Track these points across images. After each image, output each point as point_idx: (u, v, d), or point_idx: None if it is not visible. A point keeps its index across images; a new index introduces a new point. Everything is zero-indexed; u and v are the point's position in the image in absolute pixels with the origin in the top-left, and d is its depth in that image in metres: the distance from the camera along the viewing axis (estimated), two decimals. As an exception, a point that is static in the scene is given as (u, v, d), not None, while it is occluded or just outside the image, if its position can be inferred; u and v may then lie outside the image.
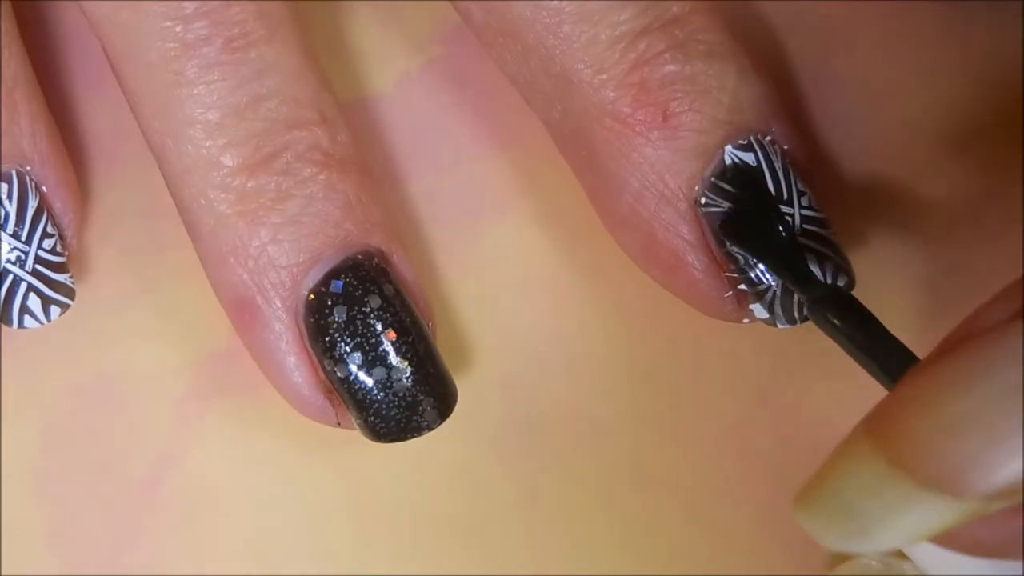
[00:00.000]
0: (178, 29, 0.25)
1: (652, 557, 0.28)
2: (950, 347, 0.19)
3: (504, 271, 0.29)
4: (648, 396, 0.29)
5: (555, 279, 0.29)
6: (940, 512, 0.19)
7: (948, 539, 0.20)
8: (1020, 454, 0.18)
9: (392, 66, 0.29)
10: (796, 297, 0.26)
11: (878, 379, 0.23)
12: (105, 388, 0.29)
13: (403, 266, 0.27)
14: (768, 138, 0.26)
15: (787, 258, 0.26)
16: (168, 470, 0.28)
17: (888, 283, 0.29)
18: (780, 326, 0.26)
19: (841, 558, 0.25)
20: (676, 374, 0.29)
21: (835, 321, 0.23)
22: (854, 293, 0.25)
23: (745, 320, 0.27)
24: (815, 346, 0.28)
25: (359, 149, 0.27)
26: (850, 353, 0.23)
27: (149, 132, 0.26)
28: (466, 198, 0.29)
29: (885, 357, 0.23)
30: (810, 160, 0.27)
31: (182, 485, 0.28)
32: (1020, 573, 0.21)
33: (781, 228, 0.26)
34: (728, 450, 0.29)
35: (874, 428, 0.19)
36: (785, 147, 0.26)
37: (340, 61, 0.29)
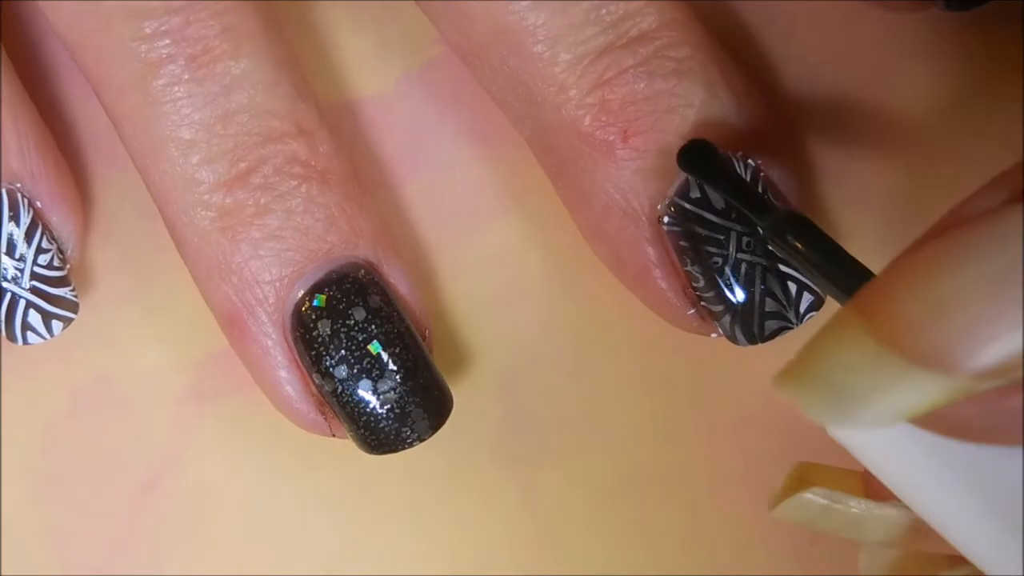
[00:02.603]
0: (142, 49, 0.25)
1: (652, 557, 0.28)
2: (940, 232, 0.19)
3: (503, 271, 0.29)
4: (648, 396, 0.29)
5: (554, 279, 0.29)
6: (928, 389, 0.19)
7: (935, 421, 0.20)
8: (1012, 331, 0.18)
9: (392, 66, 0.29)
10: (756, 317, 0.26)
11: (840, 300, 0.22)
12: (105, 388, 0.29)
13: (395, 275, 0.27)
14: (739, 153, 0.26)
15: (742, 187, 0.25)
16: (167, 470, 0.28)
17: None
18: (740, 345, 0.26)
19: (782, 495, 0.24)
20: (676, 374, 0.29)
21: (796, 244, 0.23)
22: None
23: (712, 335, 0.27)
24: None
25: (344, 158, 0.27)
26: (811, 275, 0.23)
27: (130, 152, 0.26)
28: (465, 198, 0.29)
29: (847, 277, 0.22)
30: (787, 174, 0.27)
31: (181, 485, 0.28)
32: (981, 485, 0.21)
33: (738, 165, 0.26)
34: (728, 450, 0.29)
35: (863, 307, 0.19)
36: (759, 162, 0.26)
37: (339, 61, 0.29)
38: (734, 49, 0.28)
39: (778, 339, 0.26)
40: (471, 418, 0.28)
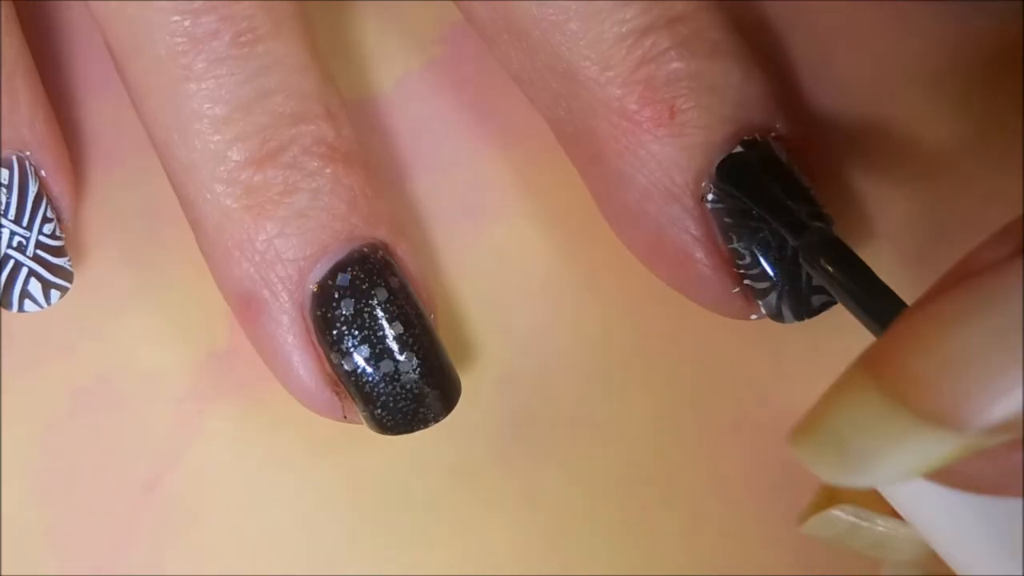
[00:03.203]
0: (187, 23, 0.25)
1: (652, 557, 0.28)
2: (947, 286, 0.19)
3: (504, 270, 0.29)
4: (648, 396, 0.29)
5: (555, 279, 0.29)
6: (938, 446, 0.19)
7: (945, 475, 0.20)
8: (1019, 388, 0.18)
9: (392, 66, 0.29)
10: (803, 291, 0.26)
11: (867, 325, 0.23)
12: (105, 388, 0.29)
13: (408, 259, 0.27)
14: (773, 134, 0.26)
15: (779, 204, 0.25)
16: (168, 470, 0.28)
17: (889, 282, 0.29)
18: (787, 322, 0.26)
19: (811, 511, 0.24)
20: (676, 374, 0.29)
21: (827, 267, 0.23)
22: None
23: (753, 316, 0.27)
24: (815, 346, 0.28)
25: (362, 144, 0.27)
26: (842, 300, 0.23)
27: (154, 126, 0.26)
28: (466, 198, 0.29)
29: (874, 301, 0.23)
30: (815, 156, 0.27)
31: (182, 485, 0.28)
32: (1003, 514, 0.21)
33: (775, 179, 0.26)
34: (728, 450, 0.29)
35: (871, 364, 0.19)
36: (791, 143, 0.26)
37: (340, 61, 0.29)
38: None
39: (784, 335, 0.26)
40: (472, 417, 0.28)
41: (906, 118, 0.29)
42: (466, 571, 0.28)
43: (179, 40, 0.25)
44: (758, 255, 0.26)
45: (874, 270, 0.28)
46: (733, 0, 0.29)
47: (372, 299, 0.26)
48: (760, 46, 0.29)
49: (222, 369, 0.29)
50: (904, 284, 0.29)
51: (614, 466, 0.29)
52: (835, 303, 0.26)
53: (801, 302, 0.26)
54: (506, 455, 0.29)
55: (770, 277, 0.26)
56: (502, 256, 0.29)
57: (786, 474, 0.29)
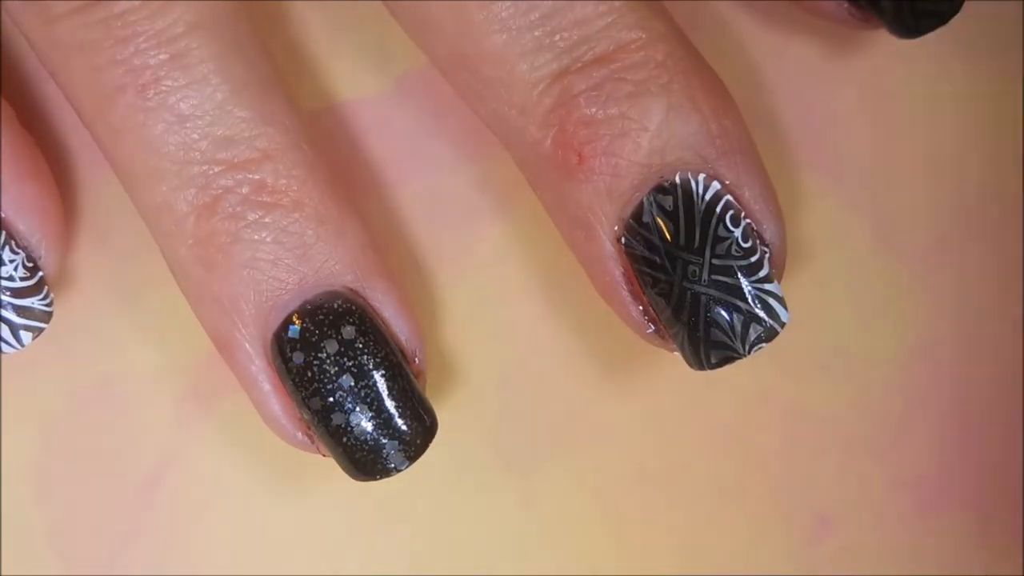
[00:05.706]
0: (99, 80, 0.25)
1: (652, 557, 0.29)
2: None
3: (504, 271, 0.29)
4: (648, 396, 0.29)
5: (554, 279, 0.29)
6: None
7: None
8: None
9: (392, 66, 0.29)
10: (701, 345, 0.25)
11: None
12: (105, 388, 0.29)
13: (379, 298, 0.26)
14: (701, 175, 0.25)
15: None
16: (168, 470, 0.28)
17: (889, 288, 0.29)
18: (692, 368, 0.26)
19: None
20: (676, 374, 0.29)
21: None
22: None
23: (674, 352, 0.26)
24: (815, 346, 0.28)
25: (320, 179, 0.26)
26: None
27: (117, 175, 0.26)
28: (466, 198, 0.29)
29: None
30: (761, 193, 0.26)
31: (181, 485, 0.28)
32: None
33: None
34: (728, 450, 0.29)
35: None
36: (727, 182, 0.25)
37: (340, 61, 0.29)
38: (729, 54, 0.28)
39: (784, 334, 0.26)
40: (471, 419, 0.28)
41: (905, 121, 0.29)
42: (465, 571, 0.28)
43: (94, 98, 0.25)
44: (659, 304, 0.26)
45: (873, 271, 0.29)
46: (725, 1, 0.29)
47: (321, 352, 0.25)
48: (755, 51, 0.29)
49: (222, 369, 0.28)
50: (904, 285, 0.29)
51: (614, 466, 0.29)
52: (737, 358, 0.25)
53: (700, 354, 0.26)
54: (505, 456, 0.29)
55: (673, 325, 0.26)
56: (502, 255, 0.29)
57: (786, 474, 0.29)
